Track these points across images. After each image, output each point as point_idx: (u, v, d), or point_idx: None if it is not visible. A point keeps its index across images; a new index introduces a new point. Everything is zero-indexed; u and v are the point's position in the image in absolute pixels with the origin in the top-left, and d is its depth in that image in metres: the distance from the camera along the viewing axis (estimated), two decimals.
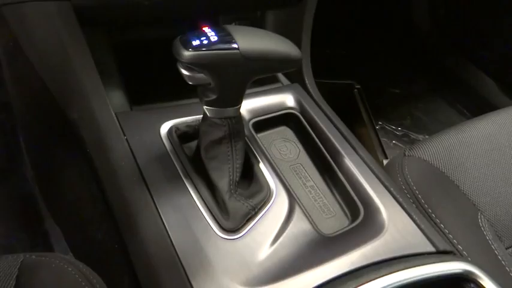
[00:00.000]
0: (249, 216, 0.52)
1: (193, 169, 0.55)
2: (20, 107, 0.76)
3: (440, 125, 1.34)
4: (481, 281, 0.49)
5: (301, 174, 0.62)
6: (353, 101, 1.31)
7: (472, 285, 0.49)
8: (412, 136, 1.33)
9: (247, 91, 0.53)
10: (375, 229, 0.53)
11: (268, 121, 0.66)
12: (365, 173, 0.59)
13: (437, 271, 0.48)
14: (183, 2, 0.64)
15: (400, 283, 0.46)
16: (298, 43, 0.74)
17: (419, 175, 0.67)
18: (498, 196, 0.67)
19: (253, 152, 0.59)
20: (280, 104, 0.68)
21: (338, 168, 0.60)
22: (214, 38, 0.46)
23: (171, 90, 0.66)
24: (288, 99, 0.69)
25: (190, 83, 0.49)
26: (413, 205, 0.60)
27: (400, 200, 0.56)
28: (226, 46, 0.46)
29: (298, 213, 0.54)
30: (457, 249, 0.59)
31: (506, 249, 0.63)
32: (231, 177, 0.53)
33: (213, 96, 0.50)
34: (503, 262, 0.59)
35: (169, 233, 0.50)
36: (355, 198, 0.57)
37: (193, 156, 0.57)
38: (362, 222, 0.55)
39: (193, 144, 0.59)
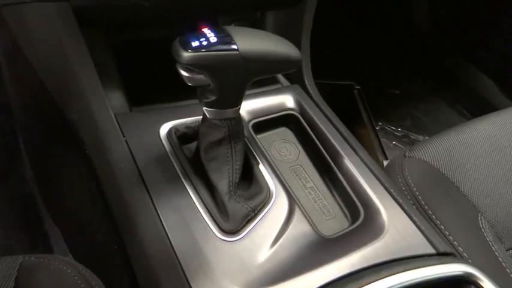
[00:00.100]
0: (249, 217, 0.52)
1: (192, 170, 0.55)
2: (19, 107, 0.76)
3: (440, 126, 1.34)
4: (481, 283, 0.48)
5: (301, 176, 0.62)
6: (353, 102, 1.31)
7: (473, 287, 0.49)
8: (412, 137, 1.33)
9: (247, 92, 0.53)
10: (375, 231, 0.53)
11: (268, 122, 0.66)
12: (365, 174, 0.59)
13: (438, 273, 0.48)
14: (183, 3, 0.64)
15: (400, 285, 0.46)
16: (297, 44, 0.74)
17: (419, 176, 0.67)
18: (498, 197, 0.67)
19: (252, 153, 0.59)
20: (280, 105, 0.67)
21: (338, 169, 0.60)
22: (213, 39, 0.46)
23: (170, 91, 0.66)
24: (287, 100, 0.68)
25: (189, 84, 0.49)
26: (414, 206, 0.60)
27: (400, 201, 0.56)
28: (225, 47, 0.46)
29: (298, 214, 0.53)
30: (457, 251, 0.59)
31: (507, 250, 0.62)
32: (231, 179, 0.53)
33: (213, 98, 0.50)
34: (503, 264, 0.59)
35: (169, 235, 0.50)
36: (355, 199, 0.57)
37: (192, 158, 0.57)
38: (362, 223, 0.54)
39: (192, 145, 0.59)
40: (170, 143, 0.58)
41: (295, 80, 0.75)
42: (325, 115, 0.67)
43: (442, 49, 1.54)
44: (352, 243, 0.51)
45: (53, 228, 0.91)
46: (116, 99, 0.67)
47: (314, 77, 0.75)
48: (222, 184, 0.53)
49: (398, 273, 0.47)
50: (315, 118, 0.66)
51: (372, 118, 1.27)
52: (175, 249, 0.49)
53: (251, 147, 0.60)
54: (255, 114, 0.65)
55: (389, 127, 1.34)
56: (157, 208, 0.52)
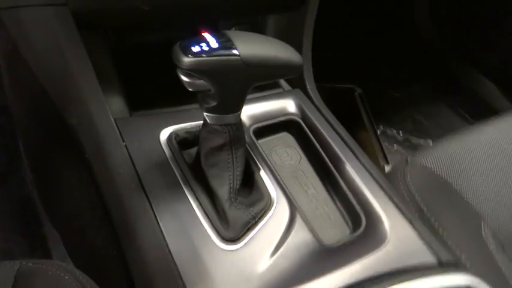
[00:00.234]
0: (249, 225, 0.51)
1: (192, 176, 0.55)
2: (19, 111, 0.76)
3: (441, 130, 1.34)
4: None
5: (302, 181, 0.61)
6: (354, 106, 1.30)
7: None
8: (413, 141, 1.32)
9: (248, 96, 0.52)
10: (377, 239, 0.52)
11: (269, 127, 0.65)
12: (367, 180, 0.58)
13: (441, 284, 0.47)
14: (184, 7, 0.64)
15: None
16: (299, 48, 0.73)
17: (421, 183, 0.66)
18: (501, 202, 0.66)
19: (253, 158, 0.59)
20: (281, 110, 0.67)
21: (339, 175, 0.60)
22: (214, 44, 0.45)
23: (170, 95, 0.66)
24: (289, 105, 0.68)
25: (190, 89, 0.48)
26: (416, 214, 0.59)
27: (403, 208, 0.56)
28: (227, 52, 0.45)
29: (299, 222, 0.53)
30: (460, 261, 0.58)
31: (510, 261, 0.62)
32: (232, 185, 0.52)
33: (213, 103, 0.49)
34: (506, 274, 0.59)
35: (167, 242, 0.49)
36: (357, 206, 0.56)
37: (193, 163, 0.56)
38: (364, 232, 0.54)
39: (193, 150, 0.58)
40: (170, 148, 0.58)
41: (296, 84, 0.74)
42: (327, 120, 0.67)
43: (443, 51, 1.53)
44: (354, 253, 0.50)
45: (52, 231, 0.91)
46: (116, 103, 0.66)
47: (315, 80, 0.74)
48: (223, 191, 0.52)
49: (400, 283, 0.46)
50: (317, 123, 0.65)
51: (373, 122, 1.26)
52: (174, 256, 0.48)
53: (252, 153, 0.59)
54: (256, 119, 0.64)
55: (390, 130, 1.34)
56: (156, 214, 0.51)
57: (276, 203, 0.54)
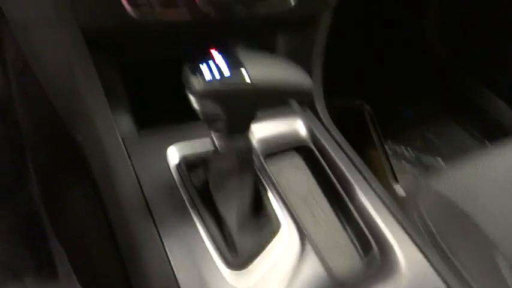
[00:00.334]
0: (257, 252, 0.50)
1: (200, 201, 0.54)
2: (28, 126, 0.76)
3: (452, 149, 1.32)
4: None
5: (311, 206, 0.60)
6: (363, 124, 1.29)
7: None
8: (423, 160, 1.30)
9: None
10: (389, 273, 0.50)
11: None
12: (378, 207, 0.57)
13: None
14: (195, 26, 0.64)
15: None
16: (309, 68, 0.73)
17: (434, 209, 0.64)
18: None
19: (262, 182, 0.58)
20: (291, 134, 0.66)
21: (350, 201, 0.58)
22: (226, 71, 0.45)
23: (178, 111, 0.65)
24: (300, 129, 0.67)
25: (201, 117, 0.47)
26: (429, 241, 0.58)
27: (416, 239, 0.54)
28: (238, 80, 0.45)
29: (309, 251, 0.51)
30: None
31: None
32: (239, 211, 0.51)
33: (222, 125, 0.48)
34: None
35: (174, 269, 0.48)
36: (368, 235, 0.55)
37: (201, 187, 0.55)
38: (375, 263, 0.52)
39: (202, 174, 0.57)
40: (179, 171, 0.57)
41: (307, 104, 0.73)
42: (337, 142, 0.66)
43: (454, 70, 1.52)
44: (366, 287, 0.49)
45: (58, 247, 0.90)
46: (124, 122, 0.65)
47: (324, 94, 0.74)
48: (230, 216, 0.51)
49: None
50: (327, 146, 0.64)
51: (382, 140, 1.24)
52: (180, 285, 0.47)
53: (260, 176, 0.58)
54: (266, 143, 0.63)
55: (399, 147, 1.32)
56: (163, 240, 0.50)
57: (285, 229, 0.53)
